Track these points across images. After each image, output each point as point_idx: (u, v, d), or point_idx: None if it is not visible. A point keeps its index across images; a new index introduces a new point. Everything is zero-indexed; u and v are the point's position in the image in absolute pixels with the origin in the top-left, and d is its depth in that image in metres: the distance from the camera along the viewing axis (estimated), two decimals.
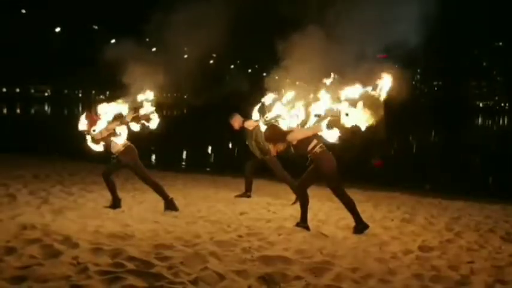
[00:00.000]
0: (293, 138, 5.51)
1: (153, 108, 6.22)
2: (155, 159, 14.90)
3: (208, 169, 13.22)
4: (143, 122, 6.16)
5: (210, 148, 18.77)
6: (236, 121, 7.37)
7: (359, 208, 7.34)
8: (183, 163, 15.39)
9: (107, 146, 6.06)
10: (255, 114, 7.00)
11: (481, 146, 23.42)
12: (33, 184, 7.75)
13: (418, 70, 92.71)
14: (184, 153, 17.38)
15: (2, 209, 5.80)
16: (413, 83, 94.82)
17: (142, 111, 6.15)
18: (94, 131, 5.98)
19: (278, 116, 5.87)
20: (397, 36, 5.59)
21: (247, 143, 7.46)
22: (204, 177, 10.67)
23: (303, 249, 4.66)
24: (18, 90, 58.11)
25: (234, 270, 3.86)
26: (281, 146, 6.70)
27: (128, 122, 6.07)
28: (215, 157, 17.41)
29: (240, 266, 3.98)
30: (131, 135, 6.26)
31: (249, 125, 7.23)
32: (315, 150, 5.46)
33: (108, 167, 6.32)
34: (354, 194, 9.11)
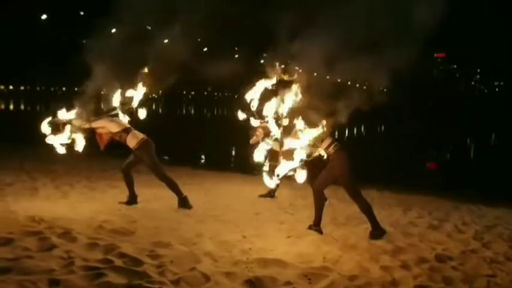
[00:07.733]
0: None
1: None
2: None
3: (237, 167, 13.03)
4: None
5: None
6: (258, 132, 7.08)
7: (387, 212, 7.01)
8: (231, 161, 15.26)
9: (123, 141, 6.09)
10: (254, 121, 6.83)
11: None
12: (61, 178, 7.94)
13: (478, 70, 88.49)
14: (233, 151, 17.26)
15: (21, 200, 5.97)
16: (473, 83, 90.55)
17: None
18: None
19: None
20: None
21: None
22: (235, 175, 10.52)
23: (306, 253, 4.43)
24: (64, 89, 61.37)
25: (223, 272, 3.71)
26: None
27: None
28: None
29: (231, 268, 3.82)
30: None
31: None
32: (329, 150, 5.22)
33: (127, 162, 6.33)
34: (386, 197, 8.78)
